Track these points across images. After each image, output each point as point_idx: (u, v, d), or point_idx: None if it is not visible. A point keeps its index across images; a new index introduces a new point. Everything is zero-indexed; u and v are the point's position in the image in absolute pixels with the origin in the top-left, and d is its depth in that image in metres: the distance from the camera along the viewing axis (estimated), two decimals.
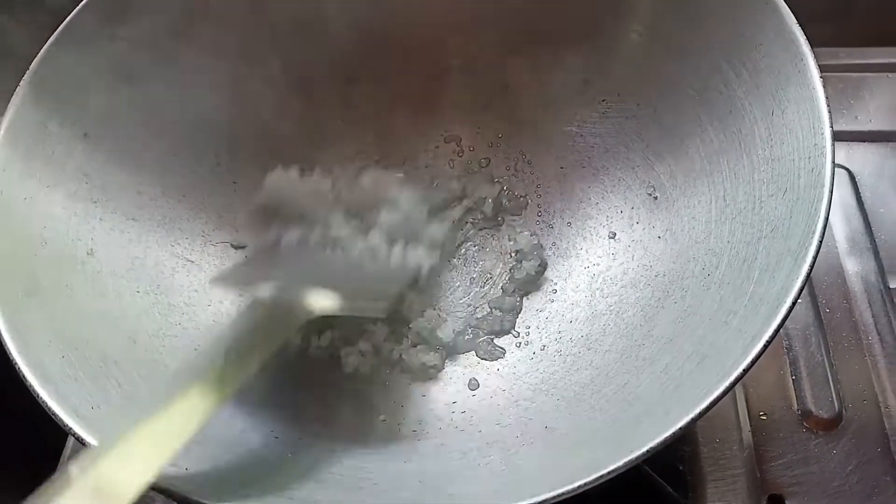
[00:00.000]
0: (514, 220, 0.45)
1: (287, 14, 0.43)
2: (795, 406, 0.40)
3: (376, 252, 0.37)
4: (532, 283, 0.42)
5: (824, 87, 0.50)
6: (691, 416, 0.25)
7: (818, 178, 0.29)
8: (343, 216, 0.38)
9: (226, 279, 0.39)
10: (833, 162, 0.29)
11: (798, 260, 0.27)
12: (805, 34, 0.56)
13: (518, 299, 0.42)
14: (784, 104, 0.33)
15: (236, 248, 0.42)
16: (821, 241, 0.27)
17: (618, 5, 0.40)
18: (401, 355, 0.40)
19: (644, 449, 0.24)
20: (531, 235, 0.43)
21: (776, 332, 0.26)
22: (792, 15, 0.33)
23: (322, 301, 0.32)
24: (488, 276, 0.44)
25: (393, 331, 0.41)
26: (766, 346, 0.26)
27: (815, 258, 0.27)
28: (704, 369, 0.29)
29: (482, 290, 0.43)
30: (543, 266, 0.42)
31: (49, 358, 0.30)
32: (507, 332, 0.41)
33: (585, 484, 0.24)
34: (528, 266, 0.42)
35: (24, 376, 0.28)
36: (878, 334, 0.42)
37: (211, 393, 0.27)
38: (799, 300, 0.42)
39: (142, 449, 0.24)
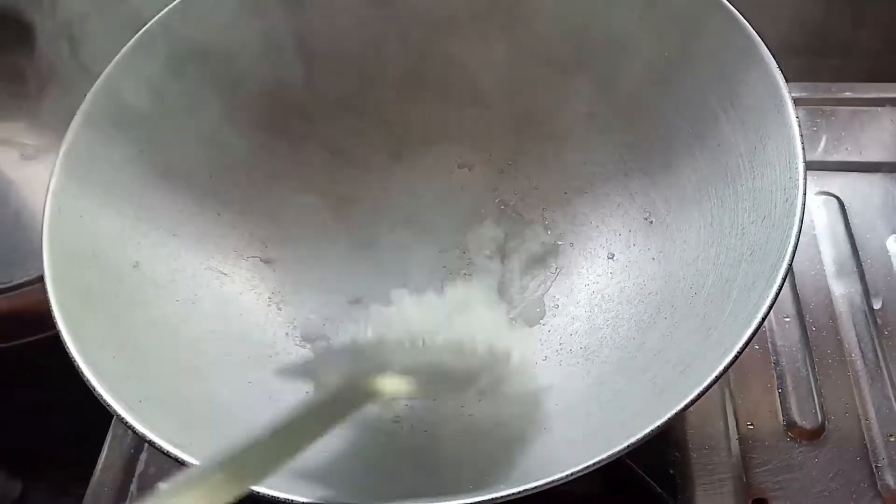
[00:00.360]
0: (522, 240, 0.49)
1: (314, 47, 0.47)
2: (781, 417, 0.43)
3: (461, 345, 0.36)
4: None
5: (819, 120, 0.54)
6: (669, 415, 0.28)
7: (791, 207, 0.32)
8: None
9: (291, 371, 0.40)
10: (804, 194, 0.32)
11: (769, 282, 0.31)
12: (807, 69, 0.60)
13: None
14: (765, 140, 0.36)
15: (265, 262, 0.46)
16: (790, 266, 0.31)
17: (622, 47, 0.44)
18: None
19: (626, 444, 0.27)
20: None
21: (747, 343, 0.29)
22: (773, 60, 0.36)
23: (394, 385, 0.32)
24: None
25: None
26: (737, 356, 0.29)
27: (783, 281, 0.30)
28: (687, 376, 0.32)
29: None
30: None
31: (102, 357, 0.33)
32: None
33: (572, 473, 0.27)
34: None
35: (82, 373, 0.32)
36: (861, 352, 0.45)
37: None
38: (787, 319, 0.45)
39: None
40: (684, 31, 0.40)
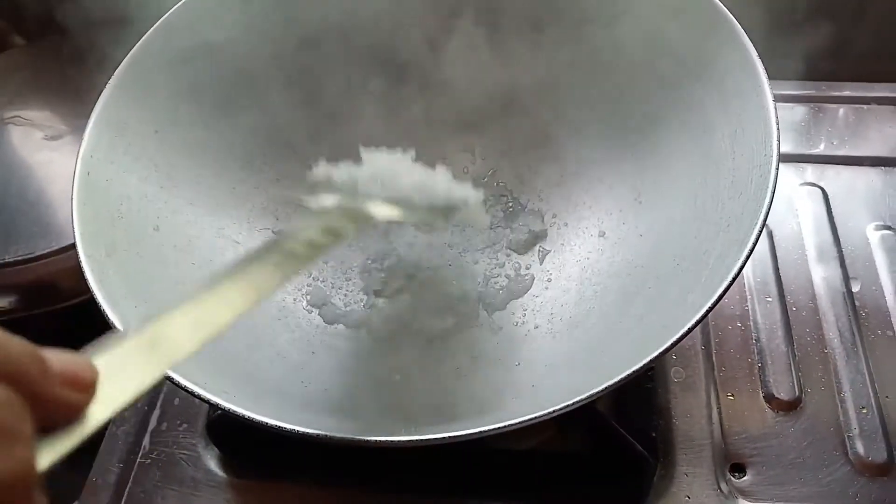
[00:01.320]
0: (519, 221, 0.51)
1: (332, 37, 0.50)
2: (760, 389, 0.46)
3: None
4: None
5: (808, 116, 0.56)
6: (645, 361, 0.30)
7: (764, 181, 0.35)
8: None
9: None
10: (777, 169, 0.35)
11: (741, 247, 0.33)
12: (804, 69, 0.62)
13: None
14: (745, 123, 0.39)
15: (276, 234, 0.49)
16: (760, 232, 0.33)
17: (614, 44, 0.46)
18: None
19: (602, 387, 0.30)
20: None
21: (718, 300, 0.32)
22: (753, 48, 0.39)
23: (381, 209, 0.36)
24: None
25: None
26: (708, 311, 0.31)
27: (754, 244, 0.33)
28: (663, 335, 0.34)
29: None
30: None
31: (125, 306, 0.36)
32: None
33: (555, 410, 0.30)
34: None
35: (107, 316, 0.34)
36: (839, 331, 0.47)
37: (274, 273, 0.28)
38: (769, 299, 0.48)
39: (201, 315, 0.25)
40: (670, 22, 0.43)
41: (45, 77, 0.72)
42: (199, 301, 0.26)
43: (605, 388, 0.30)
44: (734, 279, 0.32)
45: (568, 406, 0.30)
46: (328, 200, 0.36)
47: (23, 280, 0.58)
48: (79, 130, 0.64)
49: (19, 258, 0.57)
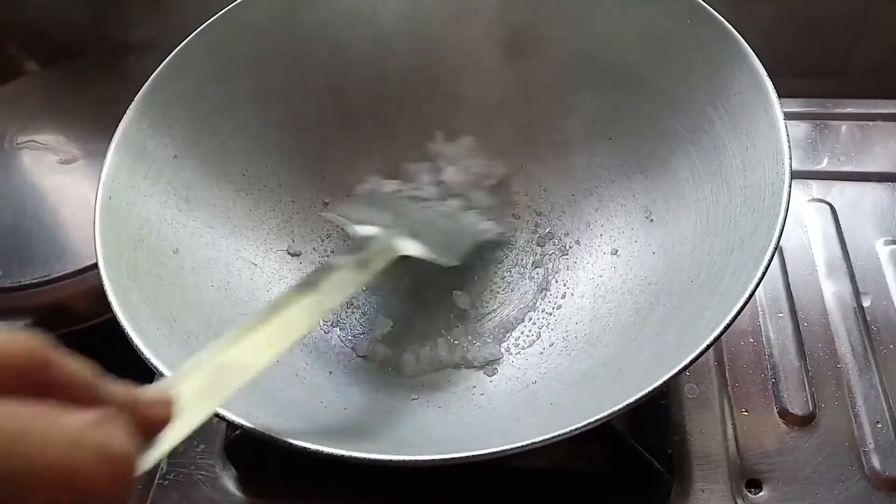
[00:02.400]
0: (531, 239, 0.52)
1: (339, 63, 0.51)
2: (774, 405, 0.46)
3: (455, 214, 0.46)
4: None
5: (815, 133, 0.57)
6: (662, 380, 0.31)
7: (777, 199, 0.35)
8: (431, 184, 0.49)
9: (338, 212, 0.46)
10: (790, 186, 0.35)
11: (756, 264, 0.34)
12: (805, 89, 0.63)
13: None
14: (756, 140, 0.39)
15: (292, 255, 0.50)
16: (775, 250, 0.34)
17: (624, 63, 0.47)
18: (464, 355, 0.46)
19: (619, 406, 0.30)
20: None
21: (735, 317, 0.32)
22: (762, 67, 0.40)
23: (410, 247, 0.41)
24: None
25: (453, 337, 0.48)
26: (726, 328, 0.32)
27: (769, 262, 0.33)
28: (680, 353, 0.34)
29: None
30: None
31: (148, 328, 0.36)
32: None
33: (573, 430, 0.30)
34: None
35: (131, 339, 0.35)
36: (850, 345, 0.48)
37: (317, 307, 0.33)
38: (781, 315, 0.48)
39: (256, 342, 0.30)
40: (683, 45, 0.43)
41: (58, 102, 0.73)
42: (243, 337, 0.30)
43: (623, 407, 0.30)
44: (750, 296, 0.33)
45: (585, 425, 0.30)
46: (362, 233, 0.40)
47: (38, 303, 0.59)
48: (92, 155, 0.65)
49: (34, 281, 0.58)
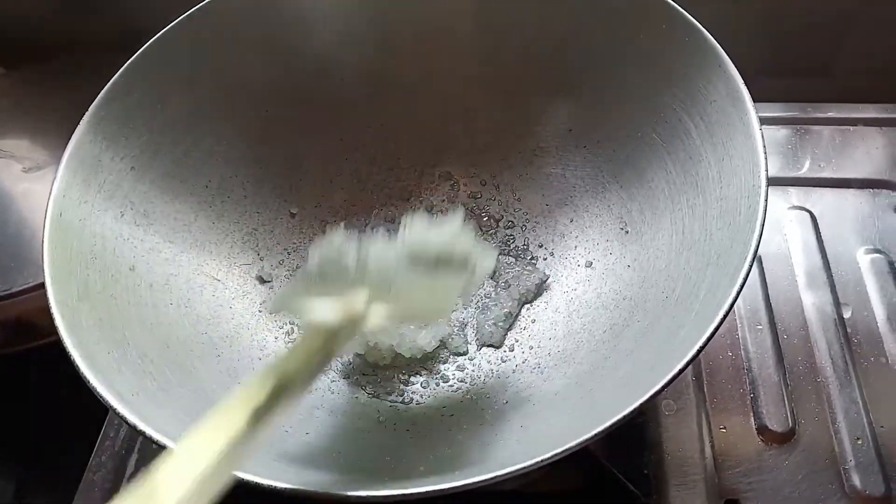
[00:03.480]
0: (505, 251, 0.50)
1: (306, 65, 0.49)
2: (753, 421, 0.45)
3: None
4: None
5: (794, 138, 0.56)
6: (633, 407, 0.29)
7: (754, 213, 0.34)
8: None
9: (278, 305, 0.42)
10: (766, 200, 0.34)
11: (732, 281, 0.32)
12: (787, 89, 0.62)
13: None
14: (732, 151, 0.38)
15: (264, 281, 0.48)
16: (751, 267, 0.32)
17: (600, 69, 0.46)
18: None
19: (590, 434, 0.29)
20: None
21: (709, 339, 0.31)
22: (739, 76, 0.38)
23: (377, 318, 0.34)
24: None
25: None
26: (699, 352, 0.30)
27: (745, 279, 0.32)
28: (654, 374, 0.33)
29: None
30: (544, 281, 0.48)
31: (98, 352, 0.35)
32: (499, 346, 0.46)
33: (543, 460, 0.29)
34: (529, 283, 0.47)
35: (78, 367, 0.33)
36: (831, 359, 0.47)
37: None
38: (760, 327, 0.47)
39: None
40: (659, 51, 0.42)
41: (25, 107, 0.71)
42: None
43: (595, 434, 0.29)
44: (725, 316, 0.31)
45: (552, 457, 0.29)
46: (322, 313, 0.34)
47: (1, 317, 0.57)
48: (59, 162, 0.63)
49: None
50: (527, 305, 0.47)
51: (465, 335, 0.47)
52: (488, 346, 0.46)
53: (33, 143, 0.68)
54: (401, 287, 0.35)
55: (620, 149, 0.46)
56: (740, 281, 0.32)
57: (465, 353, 0.46)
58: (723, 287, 0.33)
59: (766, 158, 0.36)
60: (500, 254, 0.50)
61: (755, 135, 0.36)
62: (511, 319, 0.46)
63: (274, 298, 0.46)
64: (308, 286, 0.36)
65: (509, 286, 0.48)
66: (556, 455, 0.29)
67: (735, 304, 0.32)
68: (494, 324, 0.46)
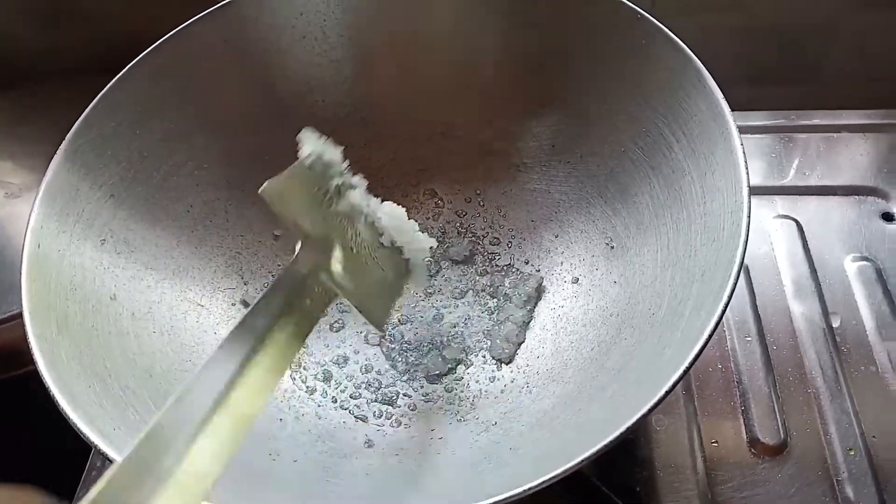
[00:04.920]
0: (491, 268, 0.50)
1: (286, 87, 0.49)
2: (745, 434, 0.44)
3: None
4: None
5: (778, 146, 0.56)
6: (619, 431, 0.29)
7: (737, 230, 0.34)
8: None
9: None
10: (749, 217, 0.34)
11: (716, 300, 0.32)
12: (771, 97, 0.62)
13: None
14: (714, 166, 0.38)
15: (248, 306, 0.47)
16: (735, 284, 0.32)
17: (581, 84, 0.46)
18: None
19: (579, 459, 0.29)
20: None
21: (694, 361, 0.30)
22: (720, 91, 0.38)
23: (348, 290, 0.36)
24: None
25: None
26: (685, 373, 0.30)
27: (729, 298, 0.32)
28: (640, 393, 0.33)
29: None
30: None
31: (78, 387, 0.34)
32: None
33: (532, 487, 0.28)
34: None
35: (57, 402, 0.33)
36: (821, 369, 0.46)
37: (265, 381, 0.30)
38: (749, 339, 0.47)
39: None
40: (639, 66, 0.42)
41: (6, 131, 0.70)
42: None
43: (583, 459, 0.29)
44: (710, 336, 0.31)
45: (545, 482, 0.28)
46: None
47: None
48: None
49: None
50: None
51: (443, 355, 0.46)
52: (500, 361, 0.45)
53: (15, 168, 0.68)
54: (363, 241, 0.38)
55: (604, 164, 0.46)
56: (724, 300, 0.32)
57: (441, 376, 0.45)
58: (707, 305, 0.33)
59: (747, 175, 0.35)
60: (488, 270, 0.50)
61: (736, 151, 0.36)
62: (524, 332, 0.46)
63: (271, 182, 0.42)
64: (299, 182, 0.38)
65: (510, 298, 0.47)
66: (546, 481, 0.29)
67: (720, 322, 0.31)
68: (507, 339, 0.45)
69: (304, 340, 0.33)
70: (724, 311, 0.31)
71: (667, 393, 0.30)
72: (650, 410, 0.30)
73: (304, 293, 0.34)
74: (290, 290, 0.33)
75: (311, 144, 0.38)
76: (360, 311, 0.38)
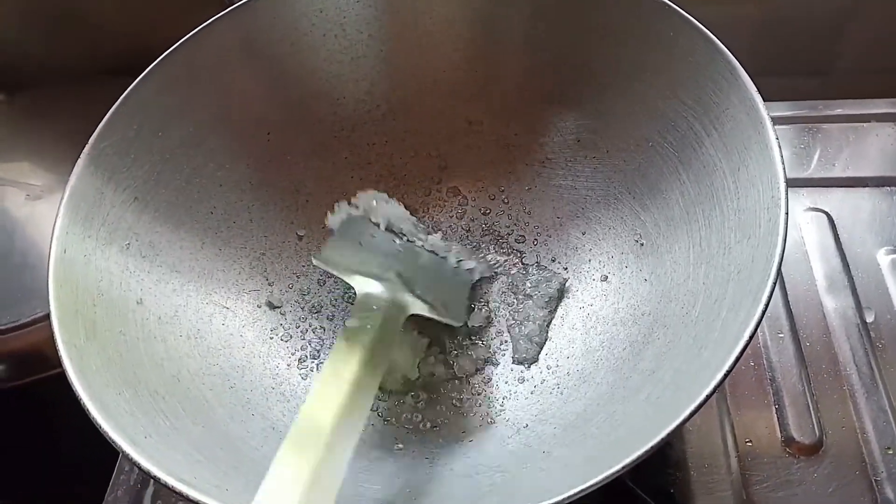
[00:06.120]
0: (517, 265, 0.50)
1: (305, 85, 0.49)
2: (779, 433, 0.44)
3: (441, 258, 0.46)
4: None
5: (807, 137, 0.55)
6: (659, 437, 0.28)
7: (774, 227, 0.33)
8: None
9: (327, 261, 0.44)
10: (787, 213, 0.33)
11: (755, 300, 0.31)
12: (788, 88, 0.61)
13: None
14: (747, 161, 0.37)
15: (273, 307, 0.47)
16: (774, 284, 0.31)
17: (606, 77, 0.45)
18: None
19: (619, 466, 0.28)
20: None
21: (735, 362, 0.30)
22: (753, 84, 0.37)
23: (417, 305, 0.40)
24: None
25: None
26: (726, 376, 0.30)
27: (769, 298, 0.31)
28: (678, 397, 0.32)
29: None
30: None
31: (108, 395, 0.34)
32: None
33: (570, 496, 0.28)
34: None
35: (88, 411, 0.32)
36: (856, 366, 0.46)
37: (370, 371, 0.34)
38: (781, 335, 0.46)
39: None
40: (667, 58, 0.41)
41: (26, 133, 0.70)
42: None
43: (624, 467, 0.28)
44: (752, 336, 0.30)
45: (578, 493, 0.28)
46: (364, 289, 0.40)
47: (9, 349, 0.57)
48: (62, 188, 0.63)
49: (4, 327, 0.55)
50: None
51: (473, 355, 0.46)
52: (522, 362, 0.45)
53: (35, 170, 0.68)
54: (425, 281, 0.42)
55: (631, 159, 0.45)
56: (764, 300, 0.31)
57: (467, 377, 0.45)
58: (746, 306, 0.32)
59: (784, 170, 0.34)
60: (512, 268, 0.49)
61: (772, 145, 0.35)
62: (545, 332, 0.46)
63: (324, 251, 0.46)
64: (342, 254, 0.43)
65: (531, 297, 0.47)
66: (584, 489, 0.28)
67: (760, 323, 0.31)
68: (529, 339, 0.45)
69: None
70: (764, 312, 0.31)
71: (708, 396, 0.29)
72: (691, 414, 0.29)
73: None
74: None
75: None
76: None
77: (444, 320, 0.43)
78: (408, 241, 0.47)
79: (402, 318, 0.40)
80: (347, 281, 0.42)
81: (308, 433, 0.31)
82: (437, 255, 0.47)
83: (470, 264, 0.48)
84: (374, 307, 0.39)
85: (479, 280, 0.48)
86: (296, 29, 0.47)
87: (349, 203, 0.48)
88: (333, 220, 0.47)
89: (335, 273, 0.43)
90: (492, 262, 0.50)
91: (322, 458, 0.30)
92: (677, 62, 0.41)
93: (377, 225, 0.48)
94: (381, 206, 0.48)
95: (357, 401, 0.33)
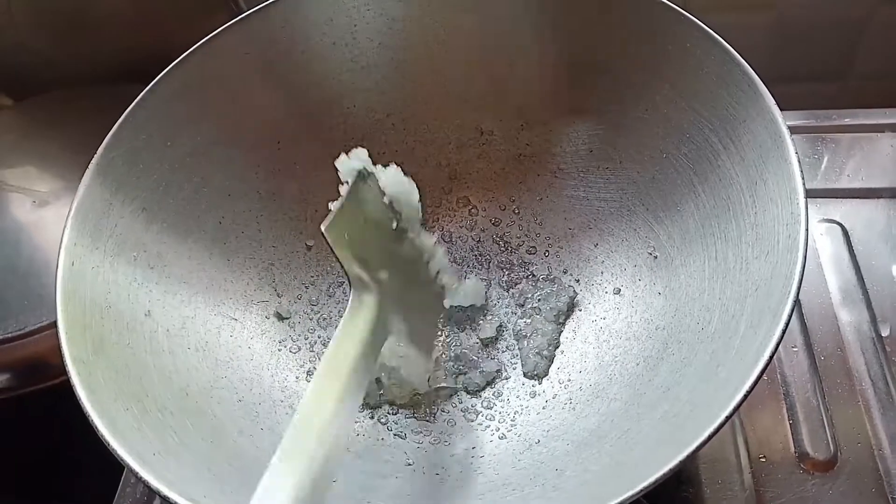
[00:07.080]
0: (527, 277, 0.49)
1: (314, 94, 0.48)
2: (793, 449, 0.43)
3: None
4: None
5: (820, 147, 0.54)
6: (679, 458, 0.28)
7: (794, 243, 0.33)
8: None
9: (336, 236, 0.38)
10: (807, 230, 0.33)
11: (775, 318, 0.31)
12: (803, 95, 0.60)
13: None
14: (766, 175, 0.36)
15: (282, 318, 0.47)
16: (795, 302, 0.31)
17: (620, 87, 0.44)
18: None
19: (638, 488, 0.28)
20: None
21: (756, 382, 0.29)
22: (771, 97, 0.37)
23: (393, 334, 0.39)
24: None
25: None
26: (746, 396, 0.29)
27: (790, 316, 0.30)
28: (695, 415, 0.32)
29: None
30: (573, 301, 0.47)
31: (116, 410, 0.34)
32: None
33: None
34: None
35: (97, 428, 0.32)
36: (871, 380, 0.45)
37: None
38: (795, 349, 0.45)
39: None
40: (682, 69, 0.41)
41: (33, 139, 0.70)
42: None
43: (637, 492, 0.28)
44: (772, 355, 0.30)
45: None
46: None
47: (14, 357, 0.56)
48: (70, 195, 0.63)
49: (10, 335, 0.55)
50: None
51: (484, 369, 0.45)
52: (533, 377, 0.44)
53: (42, 176, 0.67)
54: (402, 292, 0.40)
55: (645, 170, 0.45)
56: (785, 318, 0.30)
57: (477, 391, 0.44)
58: (765, 324, 0.31)
59: (804, 185, 0.34)
60: (520, 280, 0.49)
61: (791, 159, 0.35)
62: (554, 346, 0.45)
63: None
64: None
65: (540, 311, 0.46)
66: None
67: (781, 341, 0.30)
68: (538, 353, 0.44)
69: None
70: (784, 330, 0.30)
71: (727, 418, 0.29)
72: (710, 437, 0.29)
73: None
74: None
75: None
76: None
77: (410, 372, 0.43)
78: (401, 227, 0.43)
79: (382, 342, 0.38)
80: (346, 270, 0.38)
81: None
82: (421, 254, 0.43)
83: (446, 279, 0.44)
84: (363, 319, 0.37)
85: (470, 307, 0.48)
86: (306, 38, 0.46)
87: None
88: (346, 167, 0.40)
89: (338, 256, 0.38)
90: (479, 291, 0.48)
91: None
92: (693, 73, 0.40)
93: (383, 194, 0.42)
94: (393, 176, 0.42)
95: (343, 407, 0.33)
